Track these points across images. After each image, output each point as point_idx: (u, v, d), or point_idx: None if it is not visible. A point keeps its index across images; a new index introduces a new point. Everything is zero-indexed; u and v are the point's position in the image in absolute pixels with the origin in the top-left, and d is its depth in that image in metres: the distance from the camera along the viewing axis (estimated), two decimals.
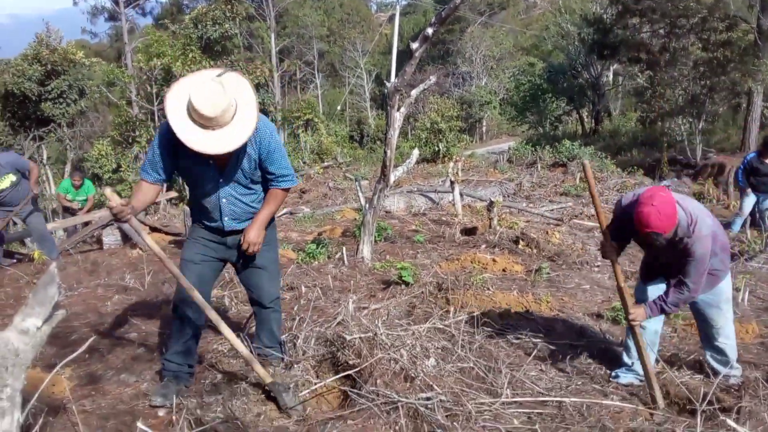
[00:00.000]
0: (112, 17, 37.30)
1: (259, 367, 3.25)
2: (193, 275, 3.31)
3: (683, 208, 3.22)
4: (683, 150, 18.26)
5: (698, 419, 2.92)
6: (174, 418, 3.07)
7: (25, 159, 6.86)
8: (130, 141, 17.44)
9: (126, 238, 7.61)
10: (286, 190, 3.34)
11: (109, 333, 4.42)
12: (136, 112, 18.58)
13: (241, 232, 3.33)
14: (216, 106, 2.88)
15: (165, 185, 15.37)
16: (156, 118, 16.58)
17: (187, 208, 7.29)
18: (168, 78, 16.63)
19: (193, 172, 3.20)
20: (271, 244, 3.51)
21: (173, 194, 11.45)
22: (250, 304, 3.72)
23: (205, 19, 19.79)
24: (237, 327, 4.38)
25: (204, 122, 2.91)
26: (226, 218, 3.29)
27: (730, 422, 2.93)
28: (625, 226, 3.43)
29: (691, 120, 18.44)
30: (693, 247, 3.23)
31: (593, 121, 29.85)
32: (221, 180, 3.19)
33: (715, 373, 3.59)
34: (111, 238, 7.64)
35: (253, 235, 3.25)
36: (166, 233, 7.92)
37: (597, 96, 29.00)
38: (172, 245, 7.40)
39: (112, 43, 42.72)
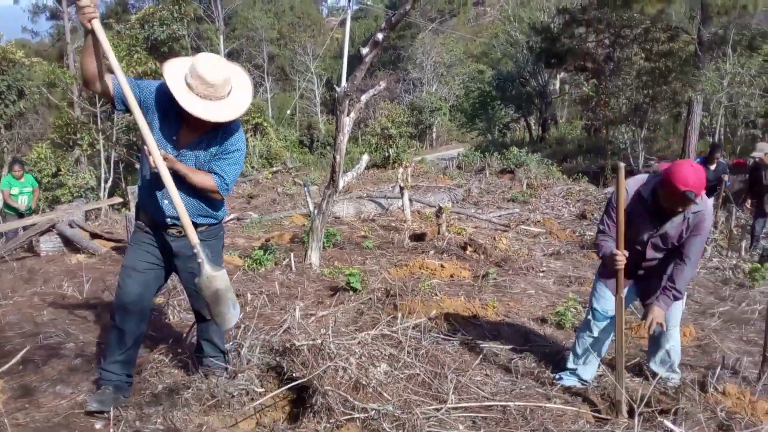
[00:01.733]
0: (54, 16, 36.22)
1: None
2: (135, 283, 3.22)
3: None
4: (626, 157, 18.84)
5: (636, 421, 2.99)
6: (112, 431, 2.97)
7: None
8: (71, 144, 16.84)
9: (67, 242, 7.33)
10: (216, 192, 3.23)
11: (44, 343, 4.25)
12: (78, 114, 17.97)
13: (179, 227, 3.21)
14: (219, 74, 2.98)
15: (106, 189, 14.92)
16: (99, 120, 16.08)
17: (130, 213, 7.09)
18: None
19: (153, 134, 3.06)
20: (216, 251, 3.45)
21: (117, 200, 11.14)
22: (193, 313, 3.64)
23: (152, 20, 19.36)
24: (179, 336, 4.29)
25: (203, 90, 2.96)
26: (165, 201, 3.17)
27: (668, 423, 3.03)
28: (630, 208, 3.39)
29: (634, 128, 19.06)
30: (706, 218, 3.35)
31: (540, 128, 30.55)
32: (176, 156, 3.11)
33: (654, 375, 3.69)
34: (48, 244, 7.34)
35: (182, 166, 3.09)
36: (108, 239, 7.68)
37: (544, 104, 29.69)
38: (115, 251, 7.19)
39: (54, 43, 41.33)
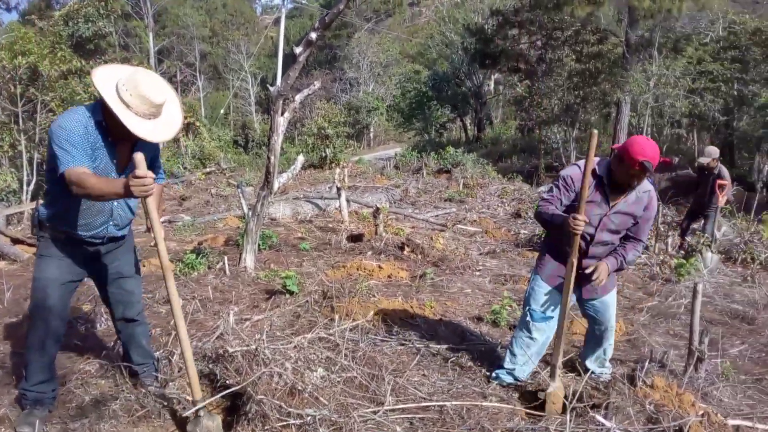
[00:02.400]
0: None
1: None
2: (56, 298, 3.08)
3: None
4: (559, 157, 19.35)
5: (567, 416, 3.05)
6: None
7: None
8: None
9: None
10: (161, 193, 3.30)
11: None
12: None
13: (116, 241, 3.18)
14: (162, 94, 2.91)
15: (29, 192, 14.21)
16: (21, 120, 15.31)
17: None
18: (34, 77, 15.45)
19: (97, 165, 2.95)
20: (133, 251, 3.37)
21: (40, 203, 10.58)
22: (113, 321, 3.48)
23: (77, 16, 18.61)
24: (106, 345, 4.11)
25: (145, 109, 2.86)
26: (111, 224, 3.10)
27: (599, 418, 3.10)
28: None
29: (566, 128, 19.61)
30: (654, 198, 3.46)
31: (476, 128, 31.05)
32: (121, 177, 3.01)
33: (586, 371, 3.77)
34: None
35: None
36: (31, 245, 7.31)
37: (479, 104, 30.22)
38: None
39: None
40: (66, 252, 3.10)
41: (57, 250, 3.09)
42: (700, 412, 3.11)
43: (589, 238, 3.49)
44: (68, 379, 3.57)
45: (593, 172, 3.38)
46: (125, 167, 3.02)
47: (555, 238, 3.67)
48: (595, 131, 3.21)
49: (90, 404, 3.30)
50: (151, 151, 3.09)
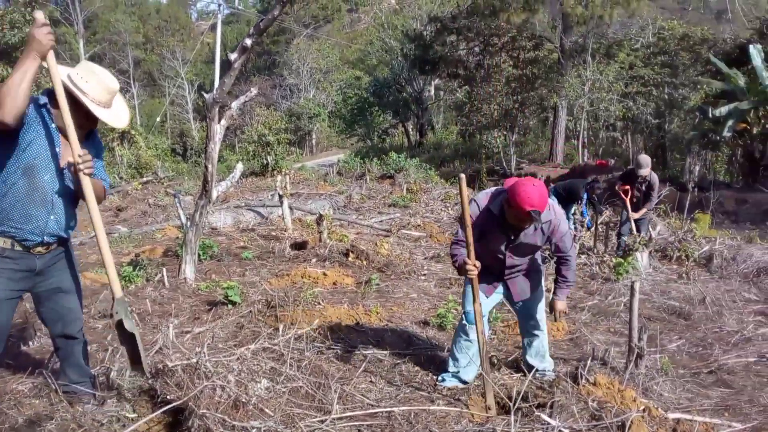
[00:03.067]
0: None
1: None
2: (2, 315, 2.94)
3: None
4: (500, 161, 19.71)
5: (512, 417, 3.07)
6: None
7: None
8: None
9: None
10: (103, 197, 3.18)
11: None
12: None
13: (55, 250, 3.05)
14: (115, 80, 3.03)
15: None
16: None
17: None
18: None
19: (39, 152, 2.85)
20: (74, 265, 3.21)
21: None
22: (52, 338, 3.31)
23: (2, 23, 17.88)
24: (39, 363, 3.91)
25: (104, 97, 2.95)
26: (51, 218, 2.93)
27: (544, 416, 3.13)
28: (485, 224, 3.51)
29: (505, 133, 20.00)
30: (560, 225, 3.53)
31: (418, 134, 31.32)
32: (62, 171, 2.91)
33: (530, 369, 3.82)
34: None
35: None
36: None
37: (421, 110, 30.49)
38: None
39: None
40: (6, 265, 2.93)
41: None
42: (641, 407, 3.18)
43: (501, 261, 3.67)
44: (0, 399, 3.38)
45: (488, 210, 3.51)
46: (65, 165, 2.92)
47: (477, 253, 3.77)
48: (463, 176, 3.36)
49: (24, 425, 3.14)
50: (91, 150, 2.98)
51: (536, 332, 3.91)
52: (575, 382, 3.55)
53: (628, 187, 8.06)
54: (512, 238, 3.53)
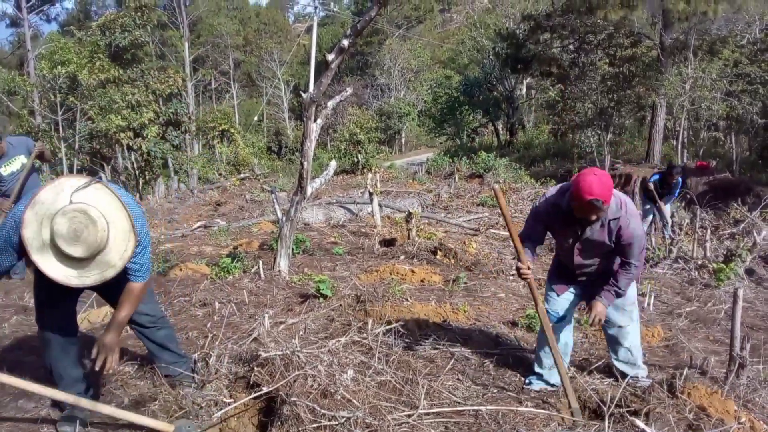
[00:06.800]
0: (15, 23, 35.53)
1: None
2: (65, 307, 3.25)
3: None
4: (593, 161, 19.08)
5: (606, 422, 3.00)
6: None
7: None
8: None
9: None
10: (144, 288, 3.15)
11: (5, 357, 4.10)
12: (39, 122, 17.60)
13: None
14: (88, 246, 2.66)
15: None
16: (61, 128, 15.75)
17: None
18: (74, 86, 15.89)
19: None
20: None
21: None
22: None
23: (114, 27, 19.09)
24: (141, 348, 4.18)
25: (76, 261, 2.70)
26: None
27: (639, 423, 3.03)
28: (549, 218, 3.50)
29: (599, 132, 19.33)
30: (630, 224, 3.35)
31: (508, 133, 30.83)
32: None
33: (623, 375, 3.71)
34: None
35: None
36: None
37: (511, 109, 30.01)
38: None
39: (14, 50, 40.45)
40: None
41: None
42: (742, 419, 3.03)
43: (571, 259, 3.59)
44: (108, 380, 3.64)
45: (557, 204, 3.44)
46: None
47: (555, 251, 3.77)
48: (497, 186, 3.37)
49: (130, 405, 3.36)
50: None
51: (618, 339, 3.78)
52: (671, 390, 3.41)
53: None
54: (579, 233, 3.45)
